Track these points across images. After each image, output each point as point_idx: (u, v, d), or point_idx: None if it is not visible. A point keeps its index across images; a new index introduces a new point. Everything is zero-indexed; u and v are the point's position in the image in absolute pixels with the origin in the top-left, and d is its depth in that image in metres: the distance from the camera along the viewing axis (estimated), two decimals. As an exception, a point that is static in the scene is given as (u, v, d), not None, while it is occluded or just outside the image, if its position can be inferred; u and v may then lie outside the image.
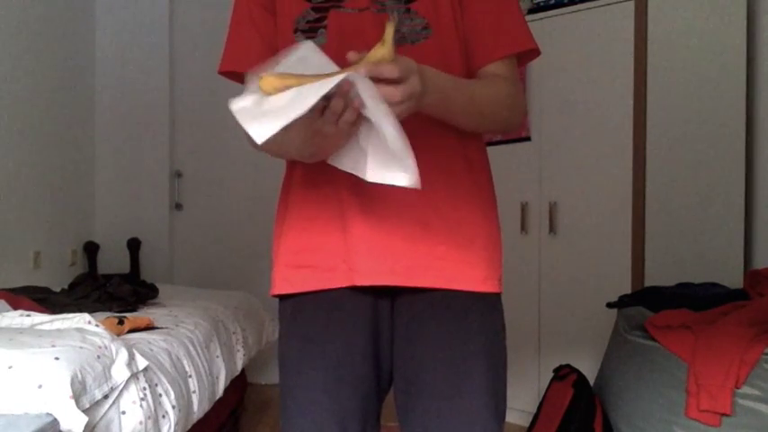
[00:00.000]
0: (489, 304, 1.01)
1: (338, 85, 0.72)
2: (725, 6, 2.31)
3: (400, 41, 0.95)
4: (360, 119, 0.78)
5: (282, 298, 1.05)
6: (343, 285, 0.97)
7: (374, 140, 0.78)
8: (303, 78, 0.75)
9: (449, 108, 0.89)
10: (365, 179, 0.80)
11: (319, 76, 0.74)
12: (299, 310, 1.02)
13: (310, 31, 0.97)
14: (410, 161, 0.75)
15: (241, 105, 0.74)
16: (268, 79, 0.75)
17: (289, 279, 1.02)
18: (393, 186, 0.78)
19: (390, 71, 0.73)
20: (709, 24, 2.34)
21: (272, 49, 1.02)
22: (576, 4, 2.62)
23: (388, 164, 0.78)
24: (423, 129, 0.94)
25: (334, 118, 0.76)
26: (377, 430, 1.05)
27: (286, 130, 0.71)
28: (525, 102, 1.03)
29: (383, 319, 1.00)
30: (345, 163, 0.84)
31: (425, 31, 0.96)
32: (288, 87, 0.74)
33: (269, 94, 0.75)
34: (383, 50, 0.75)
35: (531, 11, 2.74)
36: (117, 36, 3.49)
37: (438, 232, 0.96)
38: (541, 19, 2.68)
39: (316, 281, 0.99)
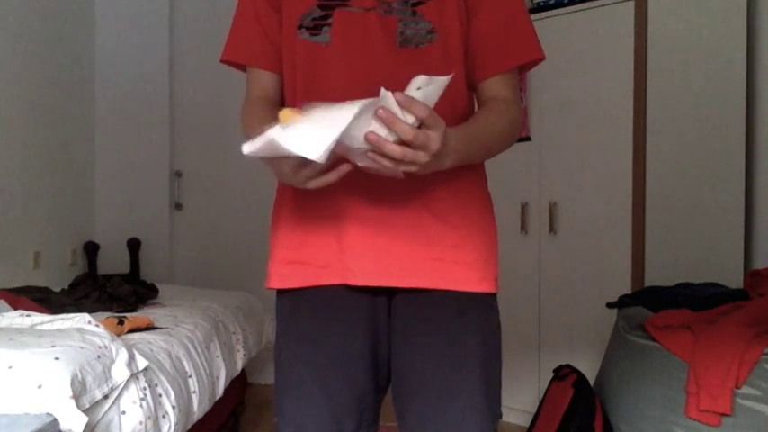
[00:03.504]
0: (485, 304, 1.01)
1: (375, 104, 0.72)
2: (725, 6, 2.30)
3: (404, 44, 0.95)
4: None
5: (279, 294, 1.05)
6: (337, 283, 0.97)
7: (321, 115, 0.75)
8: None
9: (464, 162, 0.92)
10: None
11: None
12: (296, 307, 1.02)
13: (315, 29, 0.97)
14: (328, 141, 0.70)
15: (263, 141, 0.74)
16: (286, 112, 0.77)
17: (282, 274, 1.02)
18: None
19: (421, 110, 0.74)
20: (709, 24, 2.33)
21: (273, 44, 1.03)
22: (575, 4, 2.62)
23: (309, 134, 0.72)
24: None
25: (314, 173, 0.80)
26: (374, 429, 1.05)
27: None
28: (521, 111, 1.06)
29: (380, 317, 1.00)
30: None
31: (430, 35, 0.96)
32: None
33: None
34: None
35: (531, 11, 2.74)
36: (117, 36, 3.49)
37: (433, 233, 0.96)
38: (541, 19, 2.68)
39: (308, 277, 0.99)
